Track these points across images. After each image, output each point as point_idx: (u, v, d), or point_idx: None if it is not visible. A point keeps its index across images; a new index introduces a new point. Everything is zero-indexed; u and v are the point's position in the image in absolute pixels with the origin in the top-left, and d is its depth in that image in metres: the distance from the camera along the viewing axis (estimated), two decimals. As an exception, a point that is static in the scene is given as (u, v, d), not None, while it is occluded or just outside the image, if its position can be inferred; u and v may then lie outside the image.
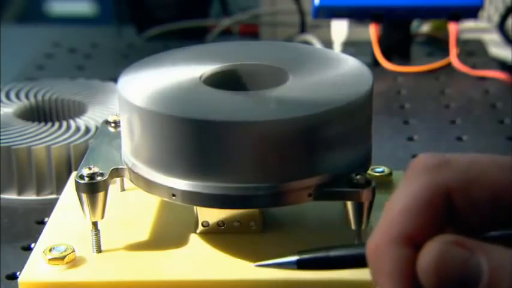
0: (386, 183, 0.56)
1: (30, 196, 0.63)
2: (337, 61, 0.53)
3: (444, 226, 0.35)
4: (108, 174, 0.50)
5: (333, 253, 0.38)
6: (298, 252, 0.39)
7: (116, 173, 0.51)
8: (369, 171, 0.54)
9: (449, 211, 0.35)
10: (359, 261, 0.37)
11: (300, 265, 0.39)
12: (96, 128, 0.65)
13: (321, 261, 0.38)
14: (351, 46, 0.94)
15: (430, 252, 0.33)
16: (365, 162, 0.50)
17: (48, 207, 0.58)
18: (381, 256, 0.34)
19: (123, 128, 0.50)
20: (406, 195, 0.35)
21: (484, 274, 0.32)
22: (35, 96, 0.72)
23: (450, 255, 0.33)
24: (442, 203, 0.35)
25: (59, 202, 0.57)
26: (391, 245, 0.34)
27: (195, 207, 0.51)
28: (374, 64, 0.87)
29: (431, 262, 0.33)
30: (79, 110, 0.71)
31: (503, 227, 0.35)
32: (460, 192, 0.35)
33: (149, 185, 0.49)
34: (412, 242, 0.34)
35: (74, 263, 0.50)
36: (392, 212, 0.35)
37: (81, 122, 0.67)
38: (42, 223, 0.59)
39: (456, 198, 0.35)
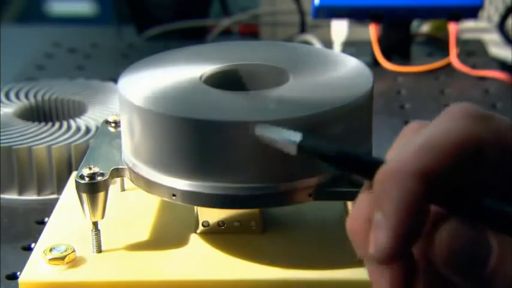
0: (386, 183, 0.56)
1: (31, 196, 0.64)
2: (337, 61, 0.53)
3: (465, 177, 0.34)
4: (108, 174, 0.50)
5: (340, 151, 0.37)
6: (303, 135, 0.37)
7: (116, 173, 0.51)
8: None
9: (477, 165, 0.34)
10: (365, 170, 0.36)
11: (300, 149, 0.37)
12: (97, 128, 0.65)
13: (323, 154, 0.37)
14: (351, 46, 0.94)
15: (443, 230, 0.34)
16: (365, 162, 0.50)
17: (48, 207, 0.58)
18: (392, 182, 0.33)
19: (124, 128, 0.50)
20: (437, 131, 0.34)
21: (493, 252, 0.33)
22: (35, 96, 0.72)
23: (463, 233, 0.33)
24: (472, 153, 0.34)
25: (59, 202, 0.57)
26: (407, 176, 0.33)
27: (195, 207, 0.52)
28: (374, 64, 0.87)
29: (444, 240, 0.33)
30: (79, 110, 0.71)
31: None
32: (494, 147, 0.34)
33: (149, 185, 0.49)
34: (427, 181, 0.33)
35: (74, 263, 0.50)
36: (416, 141, 0.34)
37: (82, 122, 0.67)
38: (42, 223, 0.59)
39: (489, 152, 0.34)
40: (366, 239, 0.35)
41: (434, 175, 0.34)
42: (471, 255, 0.33)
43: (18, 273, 0.51)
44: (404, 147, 0.35)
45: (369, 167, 0.35)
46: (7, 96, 0.72)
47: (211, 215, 0.52)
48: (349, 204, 0.48)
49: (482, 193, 0.34)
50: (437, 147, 0.34)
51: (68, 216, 0.55)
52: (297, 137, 0.38)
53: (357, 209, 0.36)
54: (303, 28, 0.98)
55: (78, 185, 0.49)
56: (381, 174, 0.34)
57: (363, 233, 0.35)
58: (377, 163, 0.35)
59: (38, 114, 0.71)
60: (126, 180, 0.52)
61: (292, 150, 0.38)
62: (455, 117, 0.35)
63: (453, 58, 0.87)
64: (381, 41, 0.87)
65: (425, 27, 0.99)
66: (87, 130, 0.65)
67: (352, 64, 0.52)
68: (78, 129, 0.66)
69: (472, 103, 0.36)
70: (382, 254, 0.34)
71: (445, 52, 0.89)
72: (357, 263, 0.45)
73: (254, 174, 0.46)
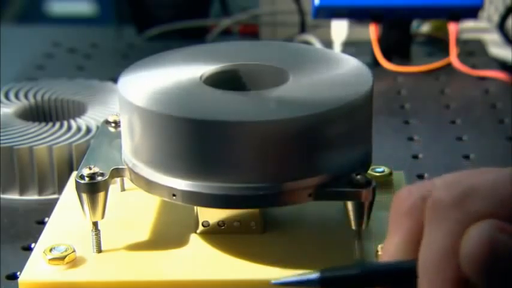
0: (386, 183, 0.56)
1: (32, 196, 0.63)
2: (337, 61, 0.53)
3: None
4: (108, 174, 0.50)
5: (359, 270, 0.35)
6: (321, 271, 0.36)
7: (117, 173, 0.51)
8: (369, 171, 0.54)
9: None
10: (396, 279, 0.35)
11: (323, 282, 0.36)
12: (97, 127, 0.65)
13: (344, 278, 0.36)
14: (351, 46, 0.94)
15: (476, 237, 0.32)
16: (365, 162, 0.50)
17: (48, 207, 0.58)
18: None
19: (124, 128, 0.50)
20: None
21: None
22: (35, 96, 0.72)
23: (500, 239, 0.32)
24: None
25: (59, 202, 0.57)
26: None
27: (195, 207, 0.51)
28: (374, 64, 0.87)
29: (479, 248, 0.32)
30: (78, 110, 0.71)
31: None
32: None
33: (149, 185, 0.49)
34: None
35: (74, 263, 0.50)
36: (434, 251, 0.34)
37: (82, 122, 0.67)
38: (42, 223, 0.59)
39: None
40: None
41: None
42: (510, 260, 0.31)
43: (18, 273, 0.51)
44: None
45: (399, 275, 0.34)
46: (7, 96, 0.72)
47: (211, 215, 0.52)
48: (349, 204, 0.48)
49: None
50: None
51: (68, 216, 0.55)
52: (315, 274, 0.36)
53: None
54: (303, 28, 0.98)
55: (78, 185, 0.49)
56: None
57: None
58: (407, 269, 0.34)
59: (38, 114, 0.71)
60: (126, 180, 0.52)
61: (317, 287, 0.36)
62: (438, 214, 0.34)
63: (453, 58, 0.87)
64: (381, 41, 0.87)
65: (425, 27, 0.99)
66: (88, 130, 0.65)
67: (352, 64, 0.52)
68: (79, 129, 0.66)
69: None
70: None
71: (445, 52, 0.89)
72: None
73: (254, 174, 0.46)
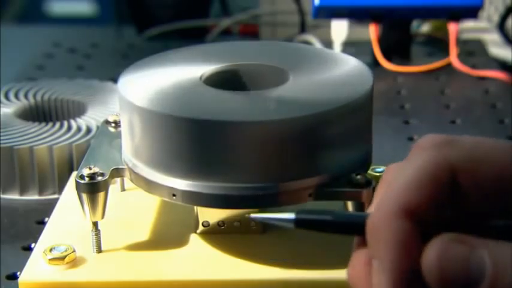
0: (386, 183, 0.56)
1: (33, 196, 0.63)
2: (337, 61, 0.53)
3: (446, 206, 0.35)
4: (108, 174, 0.50)
5: (332, 217, 0.37)
6: (297, 212, 0.38)
7: (117, 173, 0.51)
8: (369, 171, 0.54)
9: (453, 191, 0.35)
10: (357, 229, 0.36)
11: (298, 224, 0.38)
12: (97, 127, 0.65)
13: (320, 223, 0.37)
14: (351, 46, 0.94)
15: (431, 250, 0.33)
16: (365, 162, 0.50)
17: (48, 207, 0.58)
18: (380, 227, 0.34)
19: (124, 128, 0.50)
20: (410, 168, 0.35)
21: (487, 269, 0.32)
22: (34, 96, 0.72)
23: (452, 252, 0.33)
24: (446, 179, 0.34)
25: (59, 202, 0.57)
26: (391, 217, 0.34)
27: (195, 207, 0.52)
28: (374, 64, 0.87)
29: (433, 259, 0.33)
30: (78, 110, 0.71)
31: (505, 212, 0.35)
32: (465, 170, 0.34)
33: (149, 185, 0.49)
34: (412, 216, 0.34)
35: (74, 263, 0.50)
36: (394, 184, 0.35)
37: (82, 122, 0.67)
38: (42, 223, 0.59)
39: (461, 177, 0.34)
40: (367, 286, 0.35)
41: (417, 209, 0.34)
42: (463, 272, 0.33)
43: (18, 273, 0.51)
44: (386, 193, 0.35)
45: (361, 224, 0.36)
46: (7, 96, 0.72)
47: (211, 215, 0.52)
48: (349, 204, 0.48)
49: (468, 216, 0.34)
50: (413, 182, 0.34)
51: (68, 216, 0.55)
52: (291, 215, 0.38)
53: (355, 259, 0.36)
54: (303, 28, 0.98)
55: (78, 185, 0.49)
56: (369, 223, 0.35)
57: (363, 281, 0.35)
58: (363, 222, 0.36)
59: (38, 114, 0.71)
60: (126, 180, 0.52)
61: (290, 227, 0.38)
62: (423, 150, 0.35)
63: (453, 58, 0.87)
64: (381, 41, 0.87)
65: (425, 27, 0.99)
66: (88, 130, 0.65)
67: (352, 64, 0.52)
68: (79, 129, 0.66)
69: (436, 134, 0.36)
70: None
71: (445, 52, 0.89)
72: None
73: (254, 174, 0.46)
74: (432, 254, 0.33)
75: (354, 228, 0.37)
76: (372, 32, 0.87)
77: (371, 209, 0.37)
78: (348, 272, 0.37)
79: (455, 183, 0.35)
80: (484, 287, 0.32)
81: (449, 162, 0.35)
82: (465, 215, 0.35)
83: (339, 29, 0.95)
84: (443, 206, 0.35)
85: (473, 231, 0.34)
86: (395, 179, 0.35)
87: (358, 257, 0.36)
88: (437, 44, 0.95)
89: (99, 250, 0.51)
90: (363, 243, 0.36)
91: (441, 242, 0.33)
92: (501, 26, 0.95)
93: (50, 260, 0.49)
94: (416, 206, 0.34)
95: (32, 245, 0.55)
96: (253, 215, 0.40)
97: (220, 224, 0.52)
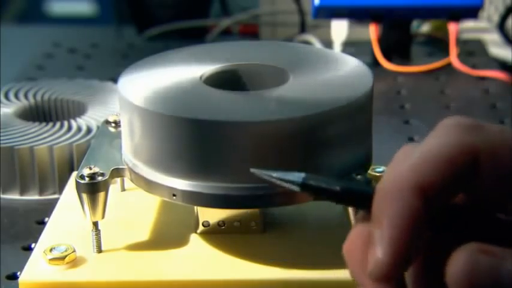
0: (386, 183, 0.56)
1: (33, 196, 0.64)
2: (337, 61, 0.53)
3: (459, 191, 0.34)
4: (108, 174, 0.50)
5: (339, 186, 0.36)
6: (305, 175, 0.37)
7: (117, 173, 0.51)
8: (369, 171, 0.54)
9: (470, 175, 0.34)
10: (361, 202, 0.36)
11: (304, 187, 0.37)
12: (98, 127, 0.65)
13: (326, 192, 0.36)
14: (351, 46, 0.94)
15: (459, 262, 0.32)
16: (365, 162, 0.50)
17: (48, 207, 0.58)
18: (389, 199, 0.33)
19: (124, 128, 0.50)
20: (431, 146, 0.34)
21: None
22: (34, 96, 0.72)
23: (481, 264, 0.32)
24: (466, 164, 0.34)
25: (59, 202, 0.57)
26: (401, 191, 0.33)
27: (195, 207, 0.52)
28: (374, 64, 0.87)
29: (462, 272, 0.32)
30: (78, 110, 0.71)
31: None
32: (488, 155, 0.34)
33: (150, 185, 0.49)
34: (424, 194, 0.33)
35: (75, 263, 0.50)
36: (411, 159, 0.34)
37: (82, 122, 0.67)
38: (42, 223, 0.59)
39: (483, 162, 0.34)
40: (362, 259, 0.34)
41: (431, 188, 0.33)
42: (495, 285, 0.32)
43: (18, 273, 0.51)
44: (400, 166, 0.35)
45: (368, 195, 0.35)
46: (7, 96, 0.72)
47: (212, 215, 0.52)
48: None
49: (478, 206, 0.34)
50: (432, 161, 0.34)
51: (68, 216, 0.55)
52: (299, 177, 0.37)
53: (354, 232, 0.36)
54: (303, 28, 0.98)
55: (78, 185, 0.49)
56: (378, 193, 0.34)
57: (359, 252, 0.35)
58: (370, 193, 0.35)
59: (38, 114, 0.71)
60: (126, 180, 0.52)
61: (296, 189, 0.37)
62: (448, 130, 0.35)
63: (453, 58, 0.87)
64: (381, 41, 0.87)
65: (425, 27, 0.99)
66: (88, 130, 0.65)
67: (352, 64, 0.52)
68: (79, 129, 0.66)
69: (463, 117, 0.36)
70: (379, 270, 0.33)
71: (445, 52, 0.89)
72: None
73: (254, 174, 0.46)
74: (460, 265, 0.32)
75: (359, 200, 0.36)
76: (372, 32, 0.87)
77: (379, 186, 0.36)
78: (344, 245, 0.36)
79: (475, 167, 0.34)
80: None
81: (473, 147, 0.34)
82: (475, 202, 0.34)
83: (339, 29, 0.95)
84: (457, 191, 0.34)
85: (477, 223, 0.34)
86: (413, 153, 0.34)
87: (357, 231, 0.36)
88: (437, 44, 0.95)
89: (100, 250, 0.51)
90: (364, 219, 0.36)
91: (469, 253, 0.32)
92: (501, 26, 0.95)
93: (50, 260, 0.49)
94: (430, 185, 0.33)
95: (32, 245, 0.55)
96: (254, 170, 0.39)
97: (221, 224, 0.52)
